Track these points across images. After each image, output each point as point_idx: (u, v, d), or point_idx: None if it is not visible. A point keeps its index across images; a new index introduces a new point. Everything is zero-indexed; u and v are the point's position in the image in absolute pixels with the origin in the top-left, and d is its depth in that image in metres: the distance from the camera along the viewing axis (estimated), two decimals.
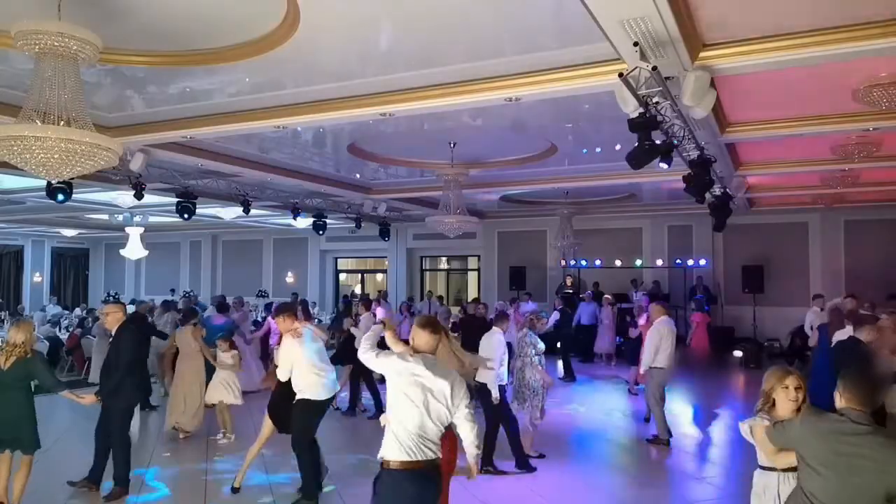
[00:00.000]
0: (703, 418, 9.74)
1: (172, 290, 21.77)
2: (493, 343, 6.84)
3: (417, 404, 3.47)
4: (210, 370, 8.39)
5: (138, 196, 10.27)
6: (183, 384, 8.23)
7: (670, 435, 7.89)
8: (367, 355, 3.72)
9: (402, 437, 3.45)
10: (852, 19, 4.68)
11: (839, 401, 2.84)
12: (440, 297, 16.99)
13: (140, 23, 5.14)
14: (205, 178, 11.13)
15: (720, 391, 11.93)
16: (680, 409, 9.92)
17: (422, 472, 3.44)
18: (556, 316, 13.18)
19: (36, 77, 4.39)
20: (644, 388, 8.67)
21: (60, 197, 9.24)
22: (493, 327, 7.07)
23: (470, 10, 4.86)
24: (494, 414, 6.75)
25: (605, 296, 15.42)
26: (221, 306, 11.28)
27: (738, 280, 15.77)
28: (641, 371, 8.24)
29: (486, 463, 6.63)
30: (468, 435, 3.63)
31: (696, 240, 16.83)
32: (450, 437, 3.89)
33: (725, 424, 9.51)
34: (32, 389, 5.48)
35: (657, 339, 7.89)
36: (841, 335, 6.61)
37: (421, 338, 3.67)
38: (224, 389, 8.04)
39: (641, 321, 9.91)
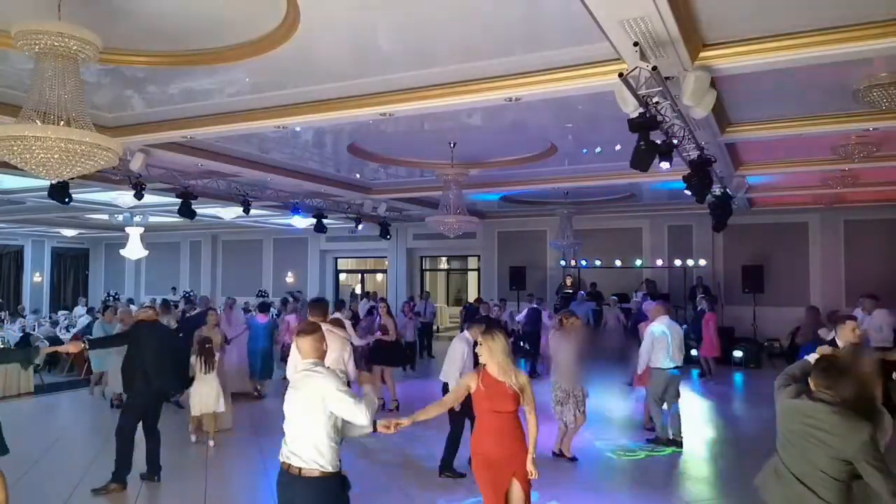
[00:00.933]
0: (704, 419, 9.75)
1: (174, 289, 21.76)
2: (453, 346, 6.85)
3: (290, 412, 3.66)
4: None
5: (138, 196, 10.25)
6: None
7: (669, 436, 7.88)
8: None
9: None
10: (852, 19, 4.68)
11: (812, 385, 3.29)
12: (427, 294, 17.56)
13: (140, 23, 5.14)
14: (205, 178, 11.13)
15: (721, 391, 11.92)
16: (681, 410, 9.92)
17: (282, 474, 3.63)
18: (523, 315, 13.04)
19: (36, 77, 4.39)
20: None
21: (66, 200, 9.27)
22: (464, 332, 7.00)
23: (470, 10, 4.86)
24: (452, 416, 6.52)
25: (612, 296, 15.40)
26: (263, 306, 11.91)
27: (738, 280, 15.76)
28: (639, 372, 8.18)
29: (446, 468, 6.63)
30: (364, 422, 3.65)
31: (696, 240, 16.83)
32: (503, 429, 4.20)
33: (726, 425, 9.52)
34: None
35: (649, 339, 7.86)
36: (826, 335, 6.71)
37: (301, 345, 3.78)
38: (215, 398, 7.87)
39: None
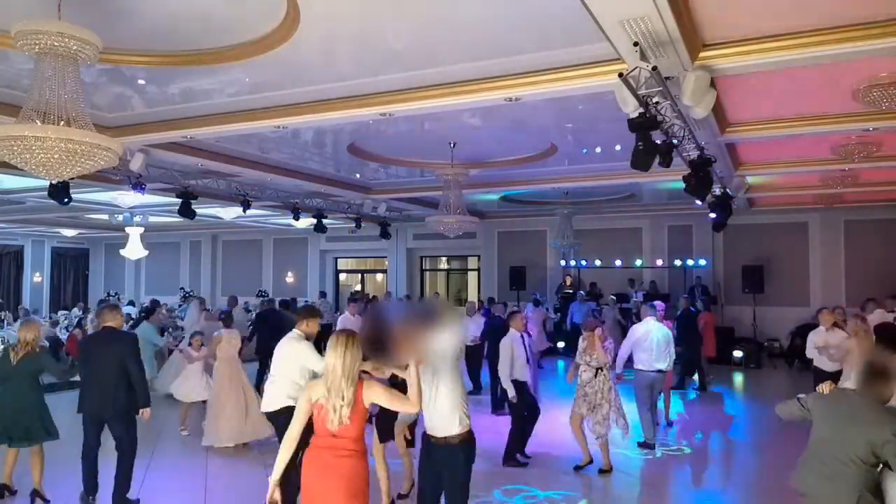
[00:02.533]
0: (705, 419, 9.75)
1: (183, 289, 21.72)
2: (502, 344, 7.18)
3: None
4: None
5: (138, 191, 10.17)
6: (222, 397, 7.90)
7: (653, 438, 7.81)
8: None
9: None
10: (852, 19, 4.68)
11: (859, 385, 3.68)
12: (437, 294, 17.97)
13: (140, 23, 5.14)
14: (205, 178, 11.14)
15: (720, 391, 11.92)
16: (681, 410, 9.93)
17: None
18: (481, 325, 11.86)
19: (36, 77, 4.39)
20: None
21: (66, 199, 9.22)
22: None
23: (470, 10, 4.86)
24: (516, 410, 7.12)
25: (611, 296, 15.39)
26: (286, 305, 12.59)
27: (738, 280, 15.76)
28: (617, 371, 7.84)
29: (509, 458, 7.06)
30: None
31: (696, 240, 16.82)
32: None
33: (726, 425, 9.53)
34: (41, 384, 5.97)
35: (629, 341, 7.87)
36: None
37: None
38: (203, 388, 8.36)
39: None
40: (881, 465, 3.37)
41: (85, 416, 5.74)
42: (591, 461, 6.94)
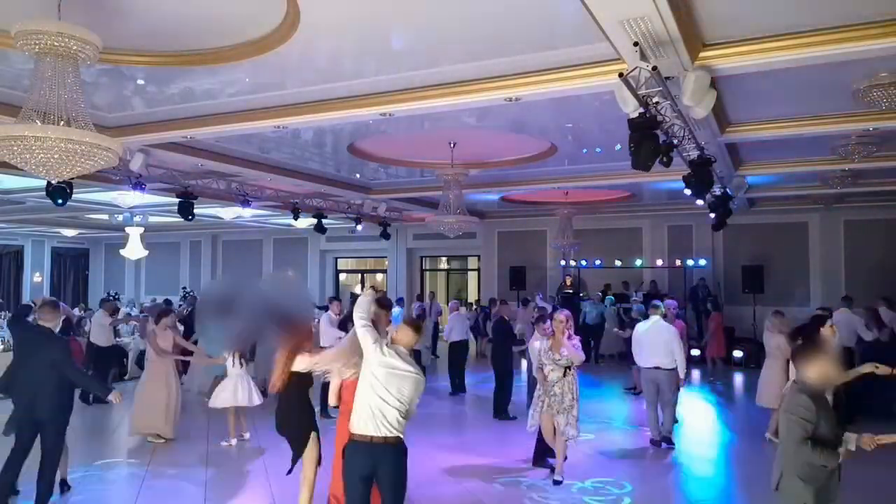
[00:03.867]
0: (706, 418, 9.75)
1: (185, 288, 21.59)
2: (530, 345, 7.48)
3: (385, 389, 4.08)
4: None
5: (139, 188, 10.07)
6: (151, 388, 7.94)
7: (658, 435, 7.87)
8: (361, 323, 4.26)
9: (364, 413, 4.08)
10: (852, 19, 4.68)
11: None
12: (433, 294, 18.17)
13: (140, 23, 5.14)
14: (205, 178, 11.14)
15: (721, 391, 11.93)
16: (683, 410, 9.92)
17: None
18: (459, 318, 11.71)
19: (36, 77, 4.39)
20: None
21: (59, 200, 9.09)
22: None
23: (470, 9, 4.86)
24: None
25: (607, 296, 15.43)
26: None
27: (738, 280, 15.75)
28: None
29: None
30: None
31: (696, 240, 16.81)
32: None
33: (727, 424, 9.52)
34: None
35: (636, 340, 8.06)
36: None
37: (405, 334, 4.28)
38: (234, 393, 7.90)
39: None
40: (810, 442, 3.51)
41: (20, 418, 5.31)
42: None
